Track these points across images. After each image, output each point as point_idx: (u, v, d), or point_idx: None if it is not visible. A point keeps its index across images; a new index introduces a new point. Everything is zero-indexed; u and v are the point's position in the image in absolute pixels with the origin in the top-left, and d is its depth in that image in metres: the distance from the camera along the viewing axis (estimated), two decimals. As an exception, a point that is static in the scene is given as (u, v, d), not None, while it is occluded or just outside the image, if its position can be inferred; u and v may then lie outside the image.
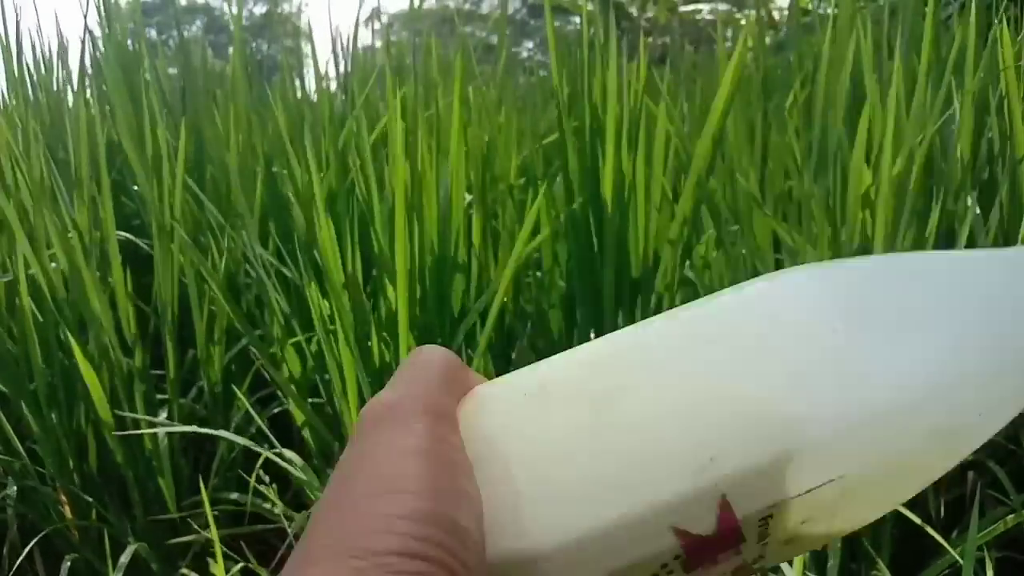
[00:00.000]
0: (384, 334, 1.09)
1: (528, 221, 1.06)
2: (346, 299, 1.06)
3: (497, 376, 0.26)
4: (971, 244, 1.12)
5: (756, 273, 1.14)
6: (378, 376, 1.10)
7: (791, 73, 1.43)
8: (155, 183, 1.24)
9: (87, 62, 1.67)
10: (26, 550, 1.13)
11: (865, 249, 0.98)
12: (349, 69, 1.61)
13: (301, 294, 1.21)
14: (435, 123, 1.18)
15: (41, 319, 1.24)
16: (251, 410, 1.03)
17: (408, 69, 1.50)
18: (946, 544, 0.81)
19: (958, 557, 0.82)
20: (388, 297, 1.11)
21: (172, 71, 1.90)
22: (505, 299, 1.24)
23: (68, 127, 1.47)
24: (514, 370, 0.26)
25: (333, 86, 1.75)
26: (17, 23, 2.03)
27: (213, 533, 0.86)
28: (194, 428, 0.93)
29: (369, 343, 1.09)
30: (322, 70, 1.59)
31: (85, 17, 1.63)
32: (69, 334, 1.16)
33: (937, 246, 1.07)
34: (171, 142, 1.32)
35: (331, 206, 1.21)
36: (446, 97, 1.24)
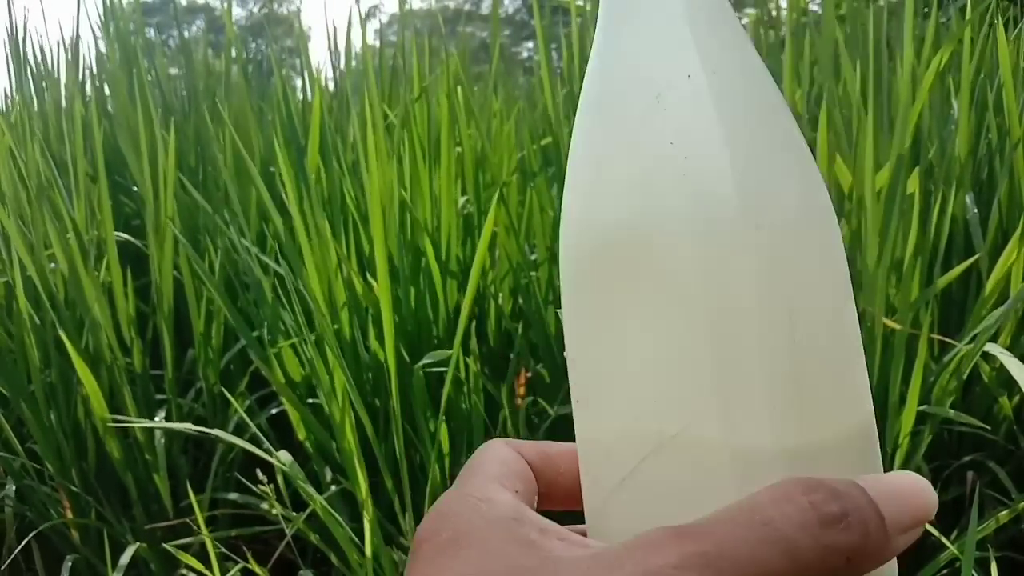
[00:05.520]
0: (373, 338, 1.09)
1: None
2: (323, 304, 1.06)
3: None
4: (968, 244, 1.12)
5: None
6: (365, 380, 1.11)
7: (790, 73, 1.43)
8: (150, 183, 1.24)
9: (88, 61, 1.67)
10: (21, 545, 1.13)
11: (855, 251, 0.98)
12: (344, 70, 1.61)
13: (301, 295, 1.21)
14: (425, 122, 1.18)
15: (38, 320, 1.24)
16: (244, 416, 1.03)
17: (403, 69, 1.50)
18: (945, 541, 0.81)
19: (957, 553, 0.82)
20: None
21: (173, 71, 1.90)
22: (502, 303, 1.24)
23: (65, 126, 1.47)
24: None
25: (331, 86, 1.75)
26: (24, 23, 2.03)
27: (206, 536, 0.86)
28: (190, 427, 0.93)
29: (358, 347, 1.10)
30: (317, 69, 1.59)
31: (78, 17, 1.63)
32: (64, 335, 1.16)
33: (935, 247, 1.06)
34: (167, 140, 1.32)
35: (325, 208, 1.21)
36: (440, 95, 1.24)
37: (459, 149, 1.29)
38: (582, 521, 0.26)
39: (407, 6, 1.53)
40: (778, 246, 0.23)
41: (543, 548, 0.22)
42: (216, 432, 0.93)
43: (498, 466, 0.26)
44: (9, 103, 1.77)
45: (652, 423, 0.23)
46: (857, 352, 0.25)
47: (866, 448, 0.24)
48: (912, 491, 0.21)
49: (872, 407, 0.25)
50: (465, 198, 1.29)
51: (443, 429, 1.04)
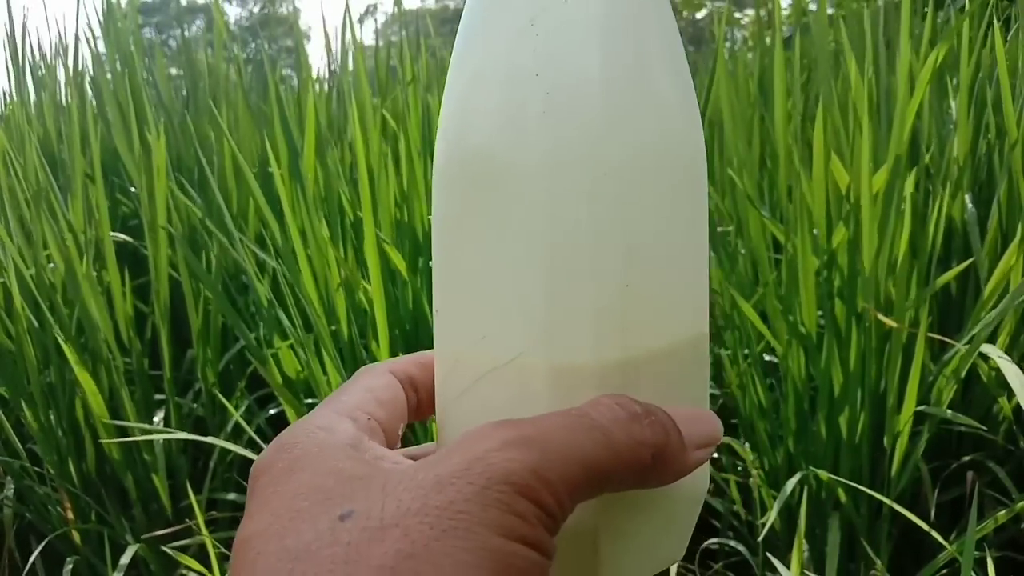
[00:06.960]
0: (372, 338, 1.09)
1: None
2: (318, 306, 1.06)
3: None
4: (967, 244, 1.12)
5: (754, 273, 1.14)
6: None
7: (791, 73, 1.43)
8: (146, 183, 1.23)
9: (85, 62, 1.67)
10: (9, 537, 1.13)
11: (854, 251, 0.98)
12: (339, 70, 1.61)
13: (297, 295, 1.21)
14: (419, 119, 1.18)
15: (36, 321, 1.24)
16: (240, 421, 1.03)
17: (401, 69, 1.50)
18: (944, 541, 0.81)
19: (957, 555, 0.82)
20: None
21: (173, 71, 1.90)
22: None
23: (63, 126, 1.47)
24: None
25: (328, 86, 1.75)
26: (23, 23, 2.03)
27: (206, 537, 0.86)
28: (185, 435, 0.93)
29: (356, 348, 1.09)
30: (316, 70, 1.59)
31: (77, 17, 1.63)
32: (61, 336, 1.16)
33: (933, 247, 1.06)
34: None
35: (321, 208, 1.20)
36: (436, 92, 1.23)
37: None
38: None
39: (402, 6, 1.53)
40: (623, 191, 0.23)
41: (374, 465, 0.22)
42: (211, 439, 0.93)
43: (360, 394, 0.26)
44: (7, 102, 1.77)
45: (490, 346, 0.24)
46: (696, 278, 0.26)
47: (688, 362, 0.26)
48: (702, 416, 0.25)
49: (706, 327, 0.26)
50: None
51: (435, 428, 1.04)
